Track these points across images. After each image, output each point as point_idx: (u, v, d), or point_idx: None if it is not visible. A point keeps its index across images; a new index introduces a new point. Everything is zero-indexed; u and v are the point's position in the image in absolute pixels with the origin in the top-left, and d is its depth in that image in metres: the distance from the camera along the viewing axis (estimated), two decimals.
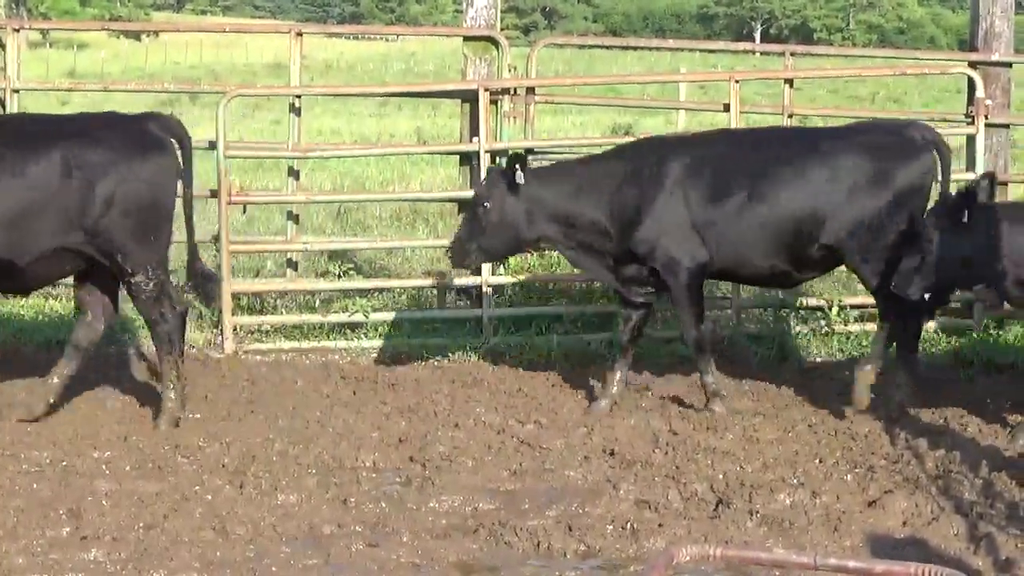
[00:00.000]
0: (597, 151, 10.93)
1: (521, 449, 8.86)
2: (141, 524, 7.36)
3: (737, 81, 11.97)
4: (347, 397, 10.17)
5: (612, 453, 8.72)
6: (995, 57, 12.39)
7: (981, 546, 7.03)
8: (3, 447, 8.70)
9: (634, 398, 10.05)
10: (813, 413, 9.67)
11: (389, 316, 12.00)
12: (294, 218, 12.42)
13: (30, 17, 78.00)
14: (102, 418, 9.40)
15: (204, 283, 9.57)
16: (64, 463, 8.42)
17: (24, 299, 11.99)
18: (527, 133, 12.13)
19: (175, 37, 75.14)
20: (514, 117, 12.05)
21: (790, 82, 12.37)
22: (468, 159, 12.21)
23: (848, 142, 9.66)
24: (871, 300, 10.28)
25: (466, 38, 12.57)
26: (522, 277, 12.12)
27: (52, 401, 9.38)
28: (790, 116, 12.32)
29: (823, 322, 11.63)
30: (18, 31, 12.31)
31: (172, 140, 9.33)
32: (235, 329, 11.66)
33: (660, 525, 7.47)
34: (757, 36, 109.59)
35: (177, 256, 13.71)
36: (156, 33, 78.39)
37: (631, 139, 11.11)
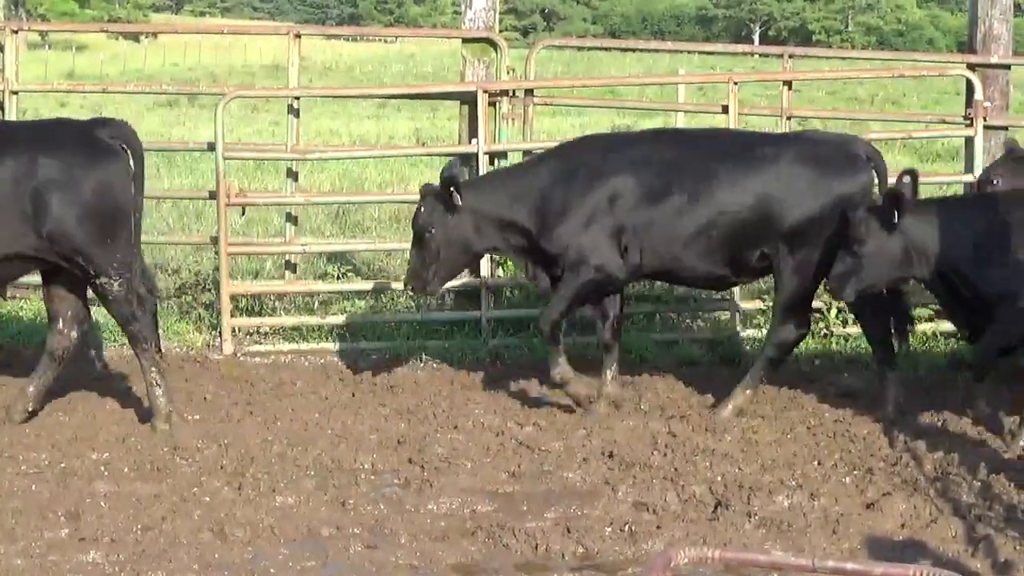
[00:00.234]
0: None
1: (520, 451, 8.86)
2: (139, 526, 7.36)
3: (735, 83, 11.96)
4: (346, 399, 10.17)
5: (611, 455, 8.72)
6: (994, 59, 12.39)
7: (979, 548, 7.04)
8: (1, 449, 8.70)
9: (633, 400, 10.05)
10: (811, 415, 9.67)
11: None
12: (293, 220, 12.42)
13: (29, 18, 77.99)
14: (100, 420, 9.40)
15: (150, 287, 9.48)
16: (63, 465, 8.42)
17: (24, 301, 12.00)
18: (526, 135, 12.13)
19: (174, 39, 75.15)
20: (513, 119, 12.05)
21: (788, 84, 12.37)
22: (467, 161, 12.21)
23: (790, 150, 9.62)
24: None
25: (465, 40, 12.56)
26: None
27: (31, 409, 9.36)
28: (789, 118, 12.31)
29: (821, 324, 11.62)
30: (17, 32, 12.31)
31: (123, 145, 9.27)
32: (234, 331, 11.65)
33: (658, 527, 7.48)
34: (756, 38, 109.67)
35: (178, 256, 13.75)
36: (155, 35, 78.43)
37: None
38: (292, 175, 12.46)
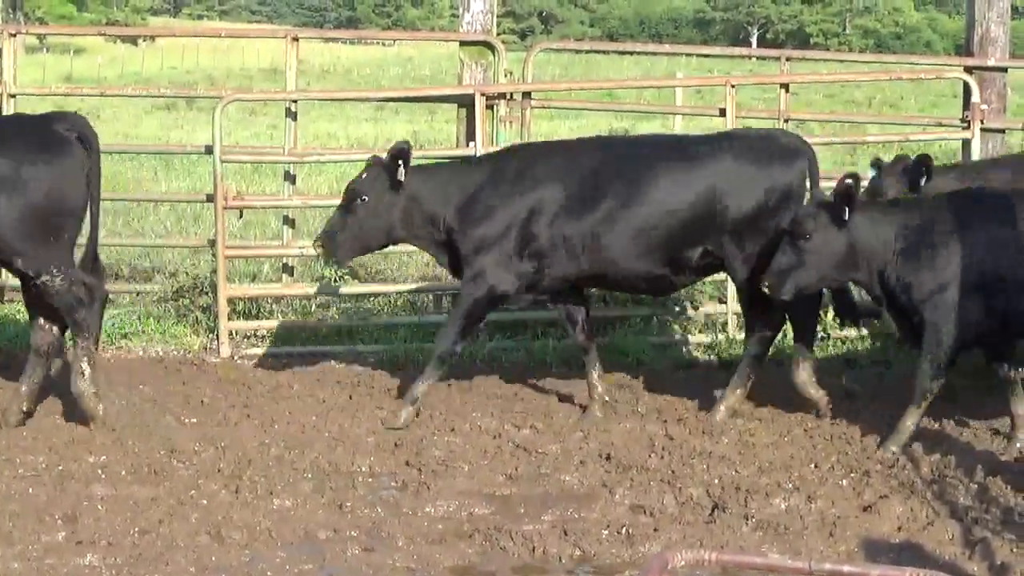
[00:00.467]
0: None
1: (517, 454, 8.86)
2: (137, 529, 7.36)
3: (733, 86, 11.98)
4: (343, 402, 10.16)
5: (608, 458, 8.72)
6: (991, 62, 12.41)
7: (976, 551, 7.04)
8: None
9: (629, 402, 10.05)
10: (808, 418, 9.67)
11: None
12: (290, 223, 12.43)
13: (27, 22, 77.94)
14: (97, 423, 9.38)
15: (97, 283, 9.44)
16: (60, 468, 8.41)
17: (20, 304, 11.99)
18: (523, 138, 12.13)
19: (172, 42, 75.11)
20: (510, 122, 12.06)
21: (786, 87, 12.38)
22: None
23: (723, 147, 9.66)
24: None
25: (462, 43, 12.57)
26: None
27: (27, 410, 9.36)
28: (786, 120, 12.33)
29: (819, 326, 11.62)
30: (14, 36, 12.32)
31: (78, 139, 9.25)
32: (231, 334, 11.66)
33: (655, 529, 7.48)
34: (754, 41, 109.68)
35: (175, 259, 13.75)
36: (153, 38, 78.46)
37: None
38: (290, 178, 12.47)
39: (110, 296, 12.60)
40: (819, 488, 8.07)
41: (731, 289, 11.40)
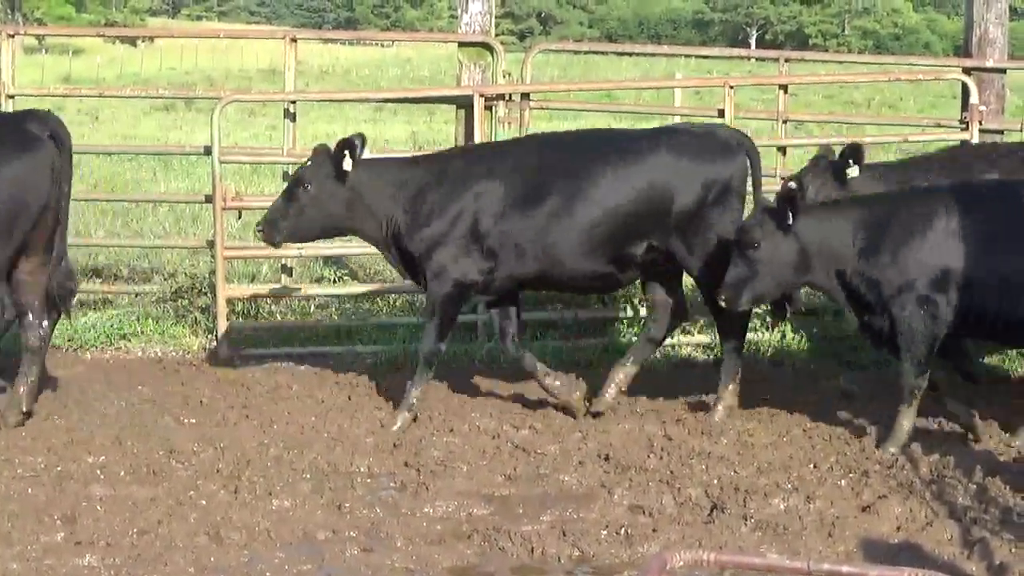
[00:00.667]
0: None
1: (516, 454, 8.86)
2: (135, 529, 7.36)
3: (732, 87, 11.98)
4: (342, 402, 10.16)
5: (607, 458, 8.72)
6: (989, 63, 12.42)
7: (975, 551, 7.04)
8: None
9: (629, 403, 10.05)
10: (807, 418, 9.67)
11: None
12: None
13: (25, 23, 77.99)
14: (96, 423, 9.40)
15: (64, 281, 9.45)
16: (59, 468, 8.41)
17: None
18: None
19: (170, 43, 75.11)
20: (509, 123, 12.05)
21: (785, 88, 12.39)
22: None
23: (662, 142, 9.68)
24: None
25: (461, 44, 12.58)
26: None
27: (26, 410, 9.35)
28: (785, 122, 12.34)
29: (816, 328, 11.63)
30: (13, 37, 12.30)
31: (50, 138, 9.23)
32: (230, 334, 11.65)
33: (654, 530, 7.48)
34: (752, 42, 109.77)
35: (174, 260, 13.75)
36: (151, 39, 78.48)
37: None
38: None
39: (108, 297, 12.68)
40: (818, 488, 8.08)
41: None
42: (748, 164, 9.69)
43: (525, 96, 12.17)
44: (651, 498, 7.96)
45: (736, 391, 9.69)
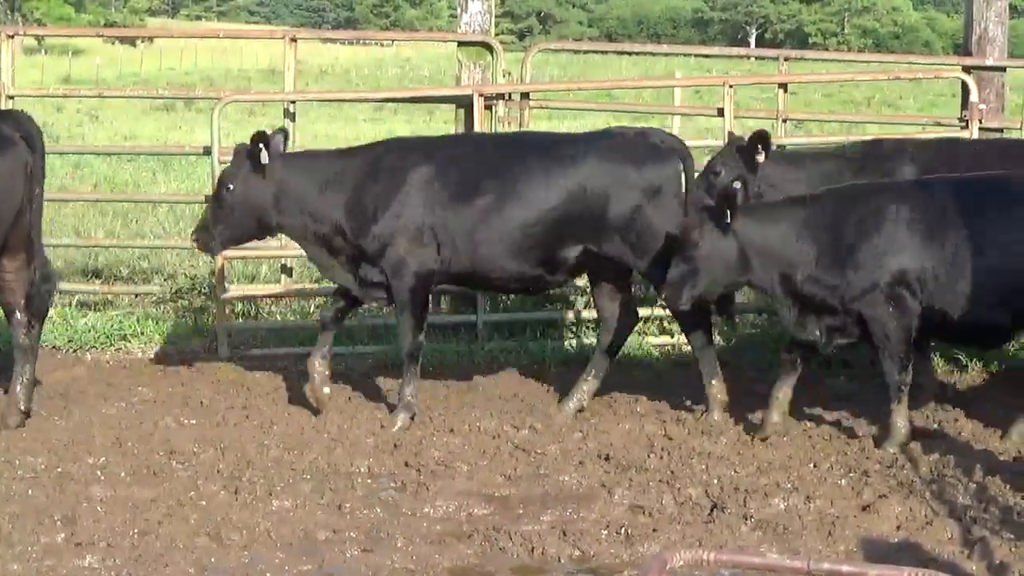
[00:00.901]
0: None
1: (516, 454, 8.86)
2: (136, 530, 7.36)
3: (731, 86, 11.98)
4: (342, 403, 10.15)
5: (607, 458, 8.72)
6: (989, 61, 12.41)
7: (975, 550, 7.03)
8: None
9: (629, 403, 10.06)
10: (807, 418, 9.67)
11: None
12: None
13: (25, 23, 78.00)
14: (96, 424, 9.40)
15: (41, 283, 9.45)
16: (59, 469, 8.41)
17: None
18: None
19: (170, 43, 75.14)
20: (509, 122, 12.05)
21: (784, 86, 12.38)
22: None
23: (594, 146, 9.66)
24: None
25: (460, 43, 12.57)
26: None
27: (24, 409, 9.35)
28: (784, 120, 12.33)
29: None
30: (12, 37, 12.29)
31: (22, 139, 9.22)
32: (229, 335, 11.65)
33: (654, 530, 7.48)
34: (752, 41, 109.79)
35: (173, 260, 13.75)
36: (151, 39, 78.47)
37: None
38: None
39: (108, 298, 12.68)
40: (818, 488, 8.08)
41: None
42: (682, 168, 9.63)
43: (525, 95, 12.17)
44: (651, 498, 7.96)
45: (722, 386, 9.67)
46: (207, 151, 11.96)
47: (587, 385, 9.87)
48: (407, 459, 8.71)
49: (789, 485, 8.13)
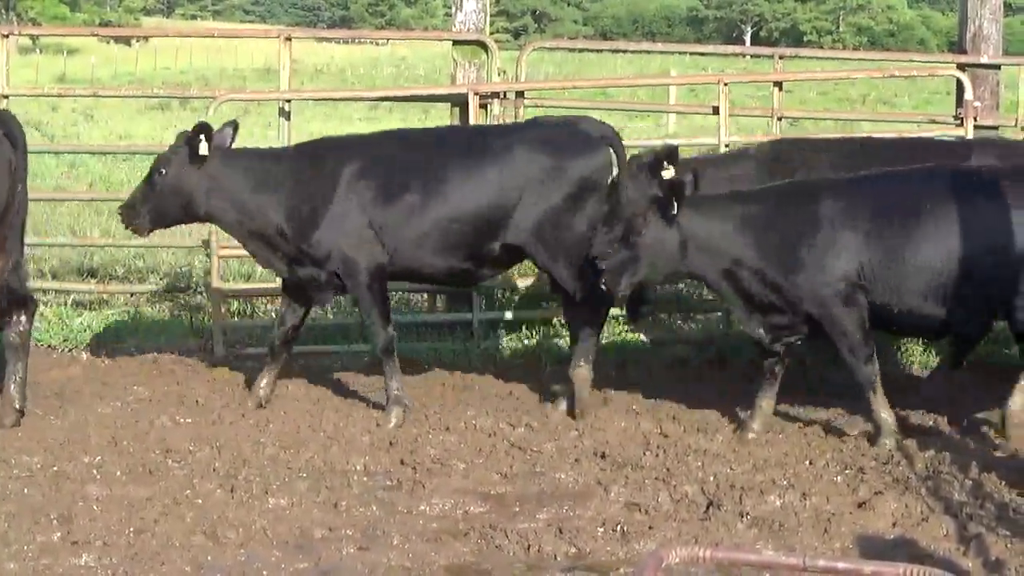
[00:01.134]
0: None
1: (512, 452, 8.86)
2: (132, 529, 7.36)
3: (726, 84, 11.98)
4: (338, 401, 10.16)
5: (603, 456, 8.73)
6: (984, 59, 12.42)
7: (971, 547, 7.04)
8: None
9: (625, 400, 10.06)
10: (803, 415, 9.68)
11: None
12: None
13: (19, 22, 77.94)
14: (92, 423, 9.39)
15: (12, 277, 9.43)
16: (55, 468, 8.41)
17: None
18: None
19: (165, 42, 75.04)
20: (504, 121, 12.05)
21: (779, 85, 12.38)
22: None
23: (522, 138, 9.67)
24: None
25: (456, 42, 12.57)
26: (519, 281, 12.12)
27: (19, 407, 9.34)
28: (780, 119, 12.34)
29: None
30: (7, 37, 12.29)
31: (5, 136, 9.22)
32: (225, 333, 11.65)
33: (650, 527, 7.48)
34: (747, 39, 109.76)
35: (169, 259, 13.74)
36: (146, 38, 78.40)
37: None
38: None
39: (103, 297, 12.67)
40: (814, 485, 8.08)
41: None
42: (612, 157, 9.64)
43: (520, 94, 12.17)
44: (647, 495, 7.96)
45: (588, 376, 9.68)
46: None
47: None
48: (403, 457, 8.72)
49: (785, 482, 8.13)
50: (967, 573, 6.74)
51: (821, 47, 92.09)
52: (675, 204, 8.90)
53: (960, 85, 12.10)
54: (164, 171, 9.68)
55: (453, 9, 12.71)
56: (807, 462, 8.59)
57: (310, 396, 10.29)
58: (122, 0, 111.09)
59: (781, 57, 13.23)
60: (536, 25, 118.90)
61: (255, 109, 35.55)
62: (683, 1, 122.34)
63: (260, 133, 30.26)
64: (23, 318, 9.40)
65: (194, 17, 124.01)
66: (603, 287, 9.05)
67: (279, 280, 10.16)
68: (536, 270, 12.31)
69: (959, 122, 11.98)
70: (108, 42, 79.32)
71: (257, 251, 9.89)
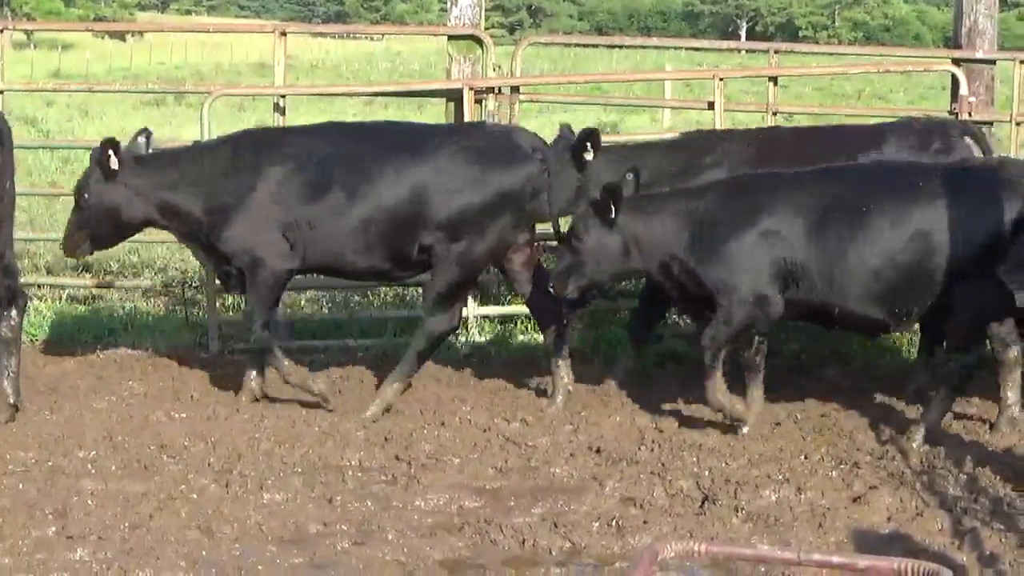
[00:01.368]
0: None
1: (506, 447, 8.86)
2: (127, 523, 7.35)
3: (721, 79, 11.97)
4: (332, 396, 10.15)
5: (598, 450, 8.73)
6: (979, 54, 12.43)
7: (966, 541, 7.05)
8: None
9: (620, 395, 10.06)
10: (798, 410, 9.69)
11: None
12: None
13: (14, 18, 77.91)
14: (87, 418, 9.39)
15: (2, 277, 9.42)
16: (50, 463, 8.40)
17: None
18: None
19: (160, 37, 75.02)
20: (499, 116, 12.05)
21: (775, 80, 12.38)
22: None
23: (450, 143, 9.61)
24: None
25: (451, 37, 12.57)
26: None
27: (13, 403, 9.33)
28: (775, 114, 12.33)
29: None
30: (2, 32, 12.29)
31: None
32: (220, 328, 11.64)
33: (645, 522, 7.49)
34: (742, 34, 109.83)
35: (164, 254, 13.74)
36: (141, 33, 78.20)
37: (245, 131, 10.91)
38: None
39: (98, 292, 12.67)
40: (809, 479, 8.09)
41: None
42: (541, 170, 9.55)
43: (515, 89, 12.16)
44: (642, 490, 7.96)
45: (399, 390, 9.69)
46: None
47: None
48: (398, 452, 8.71)
49: (780, 477, 8.14)
50: (962, 567, 6.74)
51: (816, 42, 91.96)
52: (614, 206, 8.97)
53: (955, 80, 12.11)
54: (86, 195, 9.76)
55: (448, 4, 12.70)
56: (802, 457, 8.60)
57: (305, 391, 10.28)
58: None
59: (776, 52, 13.23)
60: (531, 20, 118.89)
61: (250, 104, 35.55)
62: None
63: None
64: (13, 312, 9.39)
65: (189, 12, 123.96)
66: (551, 290, 9.17)
67: None
68: None
69: (954, 117, 11.97)
70: (103, 37, 79.19)
71: (193, 250, 10.00)
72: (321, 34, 49.92)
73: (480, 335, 11.71)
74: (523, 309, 11.86)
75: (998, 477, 8.05)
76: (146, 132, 10.00)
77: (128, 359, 11.22)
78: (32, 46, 69.84)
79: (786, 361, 10.98)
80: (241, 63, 63.61)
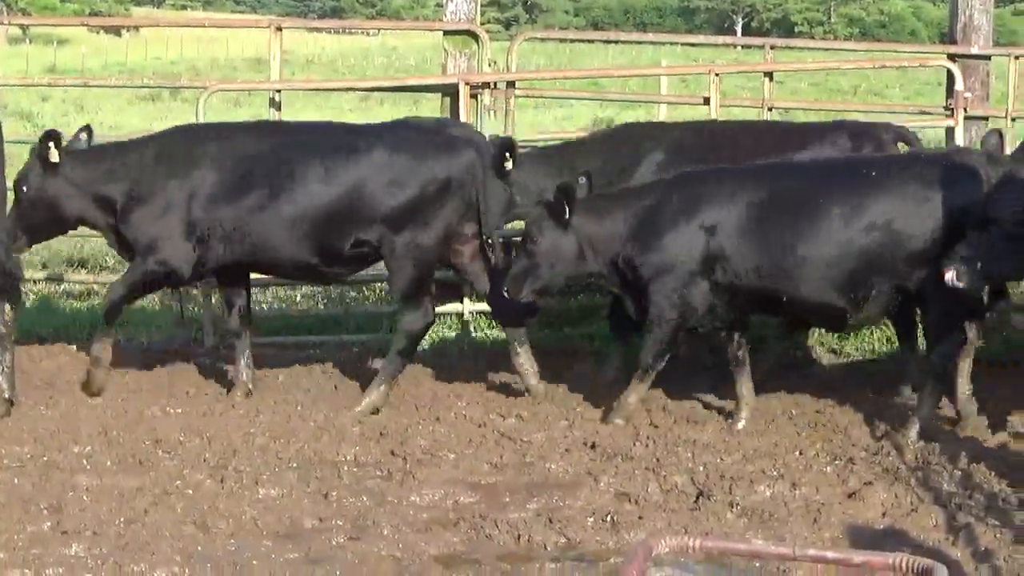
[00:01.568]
0: None
1: (502, 442, 8.86)
2: (122, 519, 7.36)
3: (717, 74, 11.98)
4: (328, 392, 10.17)
5: (593, 446, 8.73)
6: (974, 50, 12.42)
7: (960, 537, 7.06)
8: None
9: (614, 392, 10.06)
10: (793, 405, 9.69)
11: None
12: None
13: (9, 13, 77.69)
14: (83, 413, 9.39)
15: (3, 279, 9.44)
16: (45, 458, 8.40)
17: None
18: (508, 127, 12.13)
19: (155, 32, 74.90)
20: (495, 111, 12.05)
21: (770, 75, 12.38)
22: None
23: (384, 138, 9.64)
24: None
25: (446, 32, 12.56)
26: None
27: (7, 397, 9.32)
28: (770, 109, 12.34)
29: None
30: None
31: None
32: (215, 324, 11.63)
33: (640, 517, 7.49)
34: (738, 30, 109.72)
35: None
36: (136, 28, 78.14)
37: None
38: None
39: (93, 287, 12.66)
40: (803, 475, 8.09)
41: None
42: (476, 162, 9.58)
43: (511, 84, 12.16)
44: (637, 485, 7.97)
45: (386, 394, 9.69)
46: None
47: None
48: (393, 447, 8.72)
49: (775, 472, 8.14)
50: (956, 563, 6.75)
51: (812, 37, 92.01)
52: (567, 210, 9.01)
53: (951, 76, 12.11)
54: (25, 187, 9.79)
55: None
56: (797, 452, 8.61)
57: (300, 386, 10.29)
58: None
59: (772, 47, 13.23)
60: (527, 15, 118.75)
61: (246, 100, 35.53)
62: None
63: None
64: (6, 307, 9.38)
65: (184, 7, 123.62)
66: (506, 293, 9.22)
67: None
68: None
69: (949, 113, 11.98)
70: (98, 32, 79.12)
71: (119, 251, 10.06)
72: (317, 29, 49.98)
73: (476, 331, 11.70)
74: None
75: (993, 473, 8.06)
76: (87, 129, 10.07)
77: (123, 354, 11.21)
78: (28, 41, 69.81)
79: (781, 357, 10.98)
80: (237, 58, 63.57)
